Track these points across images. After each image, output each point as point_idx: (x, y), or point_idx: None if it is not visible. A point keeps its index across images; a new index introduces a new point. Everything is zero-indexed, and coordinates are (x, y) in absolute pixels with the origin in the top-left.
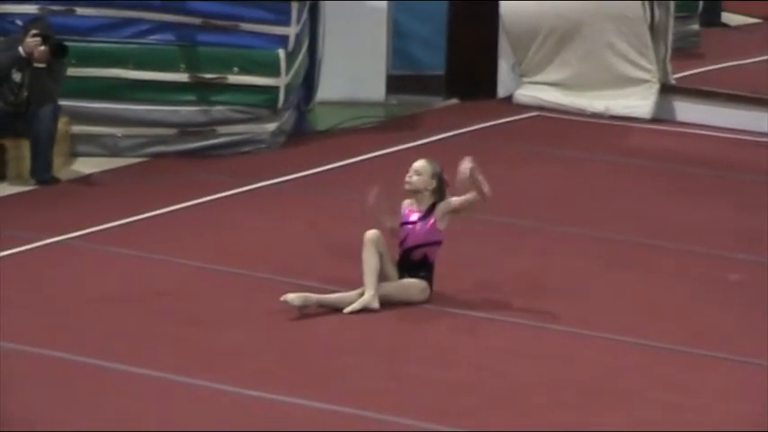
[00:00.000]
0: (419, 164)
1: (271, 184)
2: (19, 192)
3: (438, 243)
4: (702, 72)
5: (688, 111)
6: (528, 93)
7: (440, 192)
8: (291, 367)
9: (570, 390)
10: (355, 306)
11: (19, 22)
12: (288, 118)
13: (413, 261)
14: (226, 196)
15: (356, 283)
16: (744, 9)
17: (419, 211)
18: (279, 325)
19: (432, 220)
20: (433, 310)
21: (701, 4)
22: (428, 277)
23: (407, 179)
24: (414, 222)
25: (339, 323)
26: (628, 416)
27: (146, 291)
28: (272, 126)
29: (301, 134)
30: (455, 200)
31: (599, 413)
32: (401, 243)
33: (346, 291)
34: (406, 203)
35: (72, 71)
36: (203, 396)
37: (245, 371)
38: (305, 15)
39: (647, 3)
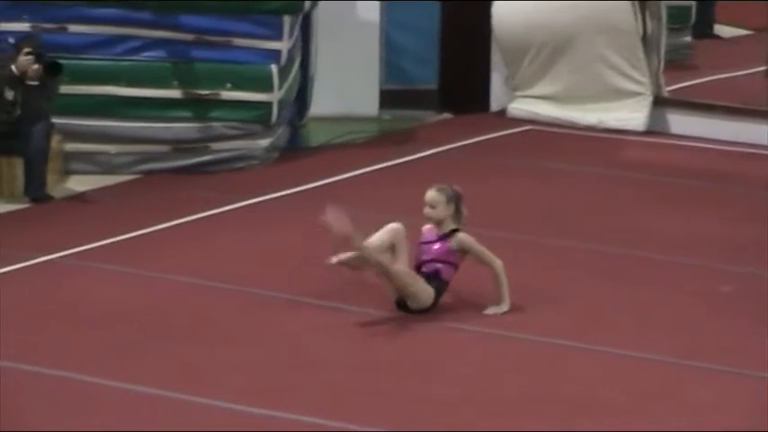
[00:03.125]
0: (431, 196)
1: (264, 200)
2: (12, 210)
3: (453, 264)
4: (695, 84)
5: (681, 123)
6: (521, 106)
7: (459, 213)
8: (281, 383)
9: (559, 402)
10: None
11: (11, 41)
12: (281, 134)
13: (425, 273)
14: (219, 213)
15: (350, 298)
16: (736, 21)
17: (437, 235)
18: (269, 341)
19: (448, 245)
20: (423, 325)
21: (693, 15)
22: (439, 288)
23: (426, 213)
24: (431, 242)
25: (328, 338)
26: (617, 428)
27: (138, 307)
28: (265, 142)
29: (294, 150)
30: (480, 249)
31: (589, 425)
32: (416, 259)
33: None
34: (427, 227)
35: (64, 89)
36: (193, 411)
37: (236, 386)
38: (297, 30)
39: (639, 15)
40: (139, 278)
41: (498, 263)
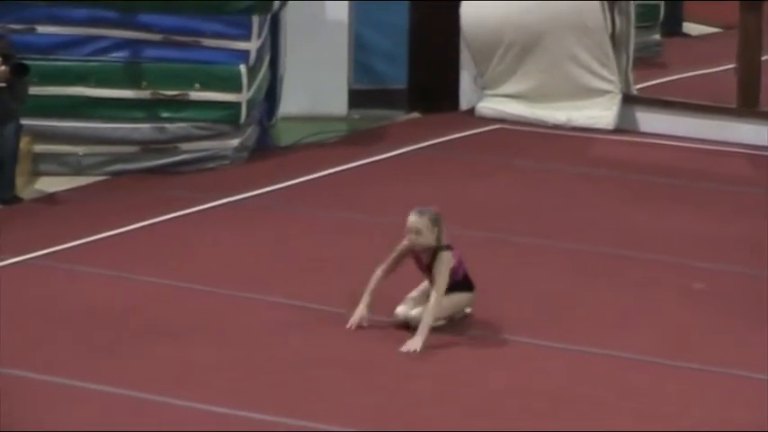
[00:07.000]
0: (415, 221)
1: (235, 200)
2: None
3: (456, 269)
4: (664, 82)
5: (650, 120)
6: (490, 105)
7: (441, 234)
8: (258, 383)
9: (538, 399)
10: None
11: None
12: (250, 133)
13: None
14: (190, 213)
15: (325, 296)
16: (705, 18)
17: (426, 262)
18: (245, 341)
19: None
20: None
21: (662, 13)
22: (467, 285)
23: (411, 241)
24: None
25: (307, 338)
26: (597, 425)
27: (112, 308)
28: (234, 142)
29: (264, 149)
30: (443, 276)
31: (568, 422)
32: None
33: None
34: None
35: (33, 89)
36: (172, 413)
37: (213, 387)
38: (266, 30)
39: (607, 13)
40: (112, 279)
41: (440, 299)
